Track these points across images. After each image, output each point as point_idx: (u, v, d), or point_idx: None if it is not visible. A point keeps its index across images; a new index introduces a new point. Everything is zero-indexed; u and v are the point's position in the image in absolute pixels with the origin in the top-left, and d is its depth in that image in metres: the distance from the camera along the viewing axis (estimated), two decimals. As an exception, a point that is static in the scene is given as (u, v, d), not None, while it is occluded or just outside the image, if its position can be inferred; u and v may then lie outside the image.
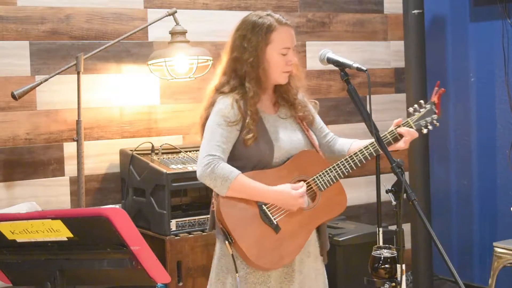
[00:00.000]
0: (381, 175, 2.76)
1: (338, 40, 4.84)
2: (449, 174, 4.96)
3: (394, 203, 2.43)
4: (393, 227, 2.86)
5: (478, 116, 4.76)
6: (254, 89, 2.67)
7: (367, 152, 2.73)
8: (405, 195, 2.37)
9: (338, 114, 4.86)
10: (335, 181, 2.72)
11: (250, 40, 2.67)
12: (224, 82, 2.73)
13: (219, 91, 2.72)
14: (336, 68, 2.64)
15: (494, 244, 4.09)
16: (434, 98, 2.82)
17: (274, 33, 2.66)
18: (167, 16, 3.86)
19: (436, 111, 2.82)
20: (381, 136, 2.66)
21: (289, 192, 2.64)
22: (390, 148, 2.73)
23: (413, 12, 4.63)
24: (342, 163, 2.72)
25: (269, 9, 2.76)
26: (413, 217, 4.65)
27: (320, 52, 2.66)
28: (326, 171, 2.71)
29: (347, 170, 2.73)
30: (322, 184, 2.71)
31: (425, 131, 2.82)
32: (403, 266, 2.41)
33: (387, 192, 2.45)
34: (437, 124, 2.82)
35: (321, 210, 2.72)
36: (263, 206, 2.65)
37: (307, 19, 4.73)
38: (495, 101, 4.60)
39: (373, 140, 2.69)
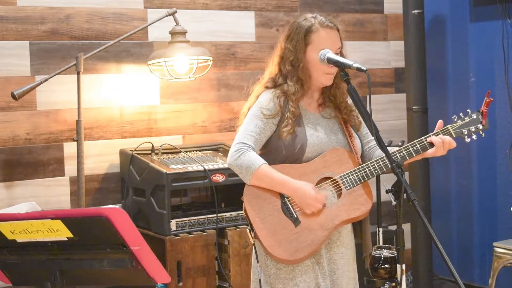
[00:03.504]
0: (381, 175, 2.76)
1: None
2: (449, 174, 4.96)
3: (394, 203, 2.43)
4: (393, 227, 2.87)
5: (478, 116, 4.76)
6: (296, 87, 2.73)
7: (400, 154, 2.69)
8: (405, 195, 2.37)
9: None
10: (362, 181, 2.69)
11: (292, 40, 2.75)
12: (269, 79, 2.82)
13: (264, 86, 2.82)
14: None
15: (494, 244, 4.08)
16: (483, 108, 2.72)
17: (314, 34, 2.72)
18: (167, 16, 3.86)
19: (483, 121, 2.72)
20: (410, 143, 2.68)
21: (308, 190, 2.64)
22: (422, 156, 2.70)
23: (413, 12, 4.62)
24: (372, 163, 2.68)
25: (316, 12, 2.84)
26: (413, 217, 4.64)
27: (320, 52, 2.67)
28: (354, 170, 2.69)
29: (376, 171, 2.68)
30: (348, 183, 2.69)
31: (468, 140, 2.74)
32: (403, 266, 2.42)
33: (387, 192, 2.45)
34: (483, 134, 2.73)
35: (344, 209, 2.70)
36: (285, 198, 2.67)
37: (307, 19, 4.72)
38: (495, 101, 4.59)
39: (407, 144, 2.72)
